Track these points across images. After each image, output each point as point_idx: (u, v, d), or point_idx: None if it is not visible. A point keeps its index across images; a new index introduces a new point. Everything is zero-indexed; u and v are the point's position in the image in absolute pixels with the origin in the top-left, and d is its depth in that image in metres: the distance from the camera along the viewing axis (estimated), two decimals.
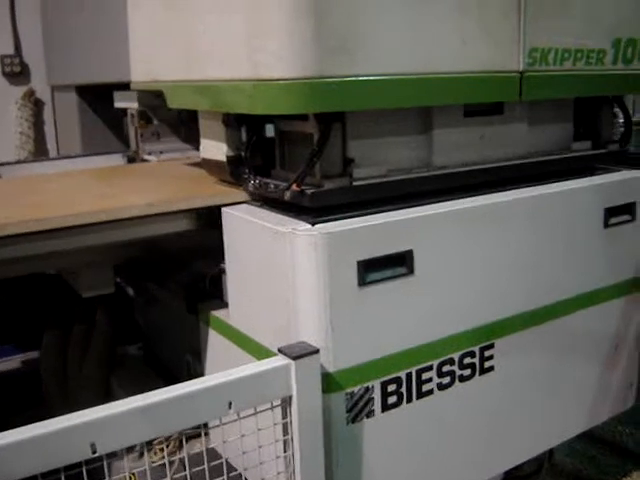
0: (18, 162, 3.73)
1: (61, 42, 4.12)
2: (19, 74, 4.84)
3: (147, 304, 3.36)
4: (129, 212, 2.23)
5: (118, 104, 3.34)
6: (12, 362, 3.81)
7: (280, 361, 1.86)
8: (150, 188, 2.68)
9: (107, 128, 4.15)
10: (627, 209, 2.74)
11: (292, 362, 1.84)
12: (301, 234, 1.97)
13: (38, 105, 4.92)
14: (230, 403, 1.77)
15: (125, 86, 2.95)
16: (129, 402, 1.67)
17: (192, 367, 2.77)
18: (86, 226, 2.19)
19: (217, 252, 2.39)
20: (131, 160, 3.60)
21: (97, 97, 4.04)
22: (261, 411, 1.84)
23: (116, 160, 3.60)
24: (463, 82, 2.23)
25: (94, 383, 3.29)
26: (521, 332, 2.46)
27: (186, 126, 3.08)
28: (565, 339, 2.63)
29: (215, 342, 2.49)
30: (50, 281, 3.13)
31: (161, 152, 3.47)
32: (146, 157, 3.48)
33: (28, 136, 4.91)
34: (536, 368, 2.57)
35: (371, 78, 2.01)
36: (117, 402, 1.67)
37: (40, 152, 4.91)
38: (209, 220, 2.41)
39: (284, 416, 1.89)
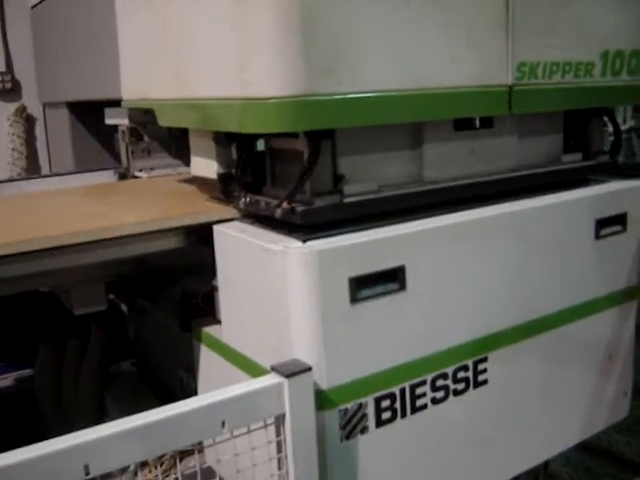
0: (10, 180, 3.74)
1: (52, 59, 4.14)
2: (11, 91, 4.87)
3: (140, 320, 3.36)
4: (121, 231, 2.23)
5: (109, 121, 3.35)
6: (7, 380, 3.81)
7: (273, 379, 1.85)
8: (141, 206, 2.68)
9: (99, 144, 4.17)
10: (618, 220, 2.74)
11: (285, 380, 1.84)
12: (292, 252, 1.97)
13: (30, 121, 4.95)
14: (223, 422, 1.76)
15: (116, 103, 2.96)
16: (122, 423, 1.67)
17: (186, 383, 2.77)
18: (78, 245, 2.20)
19: (210, 268, 2.39)
20: (122, 177, 3.60)
21: (89, 113, 4.05)
22: (254, 429, 1.84)
23: (108, 177, 3.60)
24: (452, 97, 2.23)
25: (88, 399, 3.29)
26: (514, 345, 2.46)
27: (177, 142, 3.08)
28: (559, 350, 2.63)
29: (209, 359, 2.49)
30: (43, 298, 3.13)
31: (152, 168, 3.48)
32: (137, 174, 3.48)
33: (20, 152, 4.94)
34: (530, 380, 2.57)
35: (360, 95, 2.01)
36: (110, 423, 1.67)
37: (32, 168, 4.92)
38: (200, 237, 2.41)
39: (278, 434, 1.89)
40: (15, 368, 3.78)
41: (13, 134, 4.92)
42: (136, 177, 3.51)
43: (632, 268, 2.84)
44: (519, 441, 2.59)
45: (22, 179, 3.79)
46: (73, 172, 3.70)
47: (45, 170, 4.91)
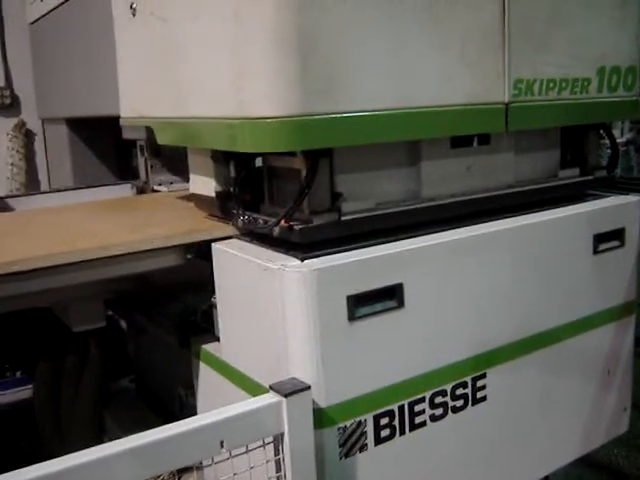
0: (28, 194, 3.75)
1: (51, 75, 4.15)
2: (10, 106, 4.87)
3: (139, 337, 3.36)
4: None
5: (127, 135, 3.29)
6: (6, 396, 3.82)
7: (271, 399, 1.85)
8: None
9: (98, 159, 4.18)
10: (616, 235, 2.75)
11: (283, 399, 1.84)
12: (290, 270, 1.98)
13: (29, 136, 4.96)
14: (222, 442, 1.76)
15: (115, 119, 2.96)
16: (120, 444, 1.66)
17: (185, 400, 2.77)
18: (76, 264, 2.20)
19: (209, 284, 2.39)
20: (140, 191, 3.62)
21: (87, 129, 4.07)
22: (253, 449, 1.84)
23: (125, 191, 3.63)
24: (449, 115, 2.24)
25: (87, 416, 3.28)
26: (513, 361, 2.46)
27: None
28: (557, 366, 2.63)
29: (207, 376, 2.49)
30: (41, 314, 3.13)
31: (171, 182, 3.46)
32: (157, 187, 3.45)
33: (19, 167, 4.94)
34: (529, 396, 2.57)
35: (357, 114, 2.02)
36: (108, 444, 1.67)
37: (32, 183, 4.93)
38: (200, 253, 2.41)
39: (276, 453, 1.89)
40: (16, 384, 3.79)
41: (12, 149, 4.92)
42: (155, 191, 3.49)
43: (630, 283, 2.84)
44: (518, 457, 2.59)
45: (41, 192, 3.79)
46: (92, 186, 3.69)
47: (44, 185, 4.92)
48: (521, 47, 2.38)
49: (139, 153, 3.55)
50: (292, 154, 2.15)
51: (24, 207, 3.40)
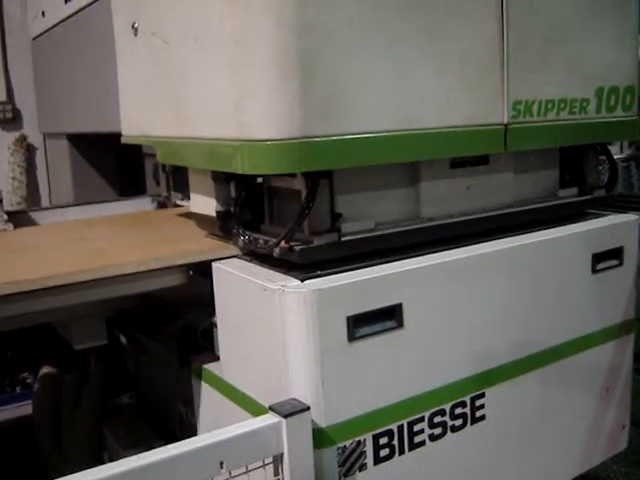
0: (53, 207, 3.77)
1: (52, 91, 4.17)
2: (11, 120, 4.88)
3: (140, 354, 3.36)
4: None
5: (147, 149, 3.26)
6: (6, 412, 3.82)
7: (271, 419, 1.86)
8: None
9: (99, 175, 4.20)
10: (615, 254, 2.76)
11: (283, 420, 1.85)
12: (290, 291, 1.99)
13: (30, 151, 4.96)
14: (222, 463, 1.77)
15: (115, 136, 2.97)
16: (119, 465, 1.67)
17: (185, 418, 2.77)
18: (82, 283, 2.21)
19: (210, 302, 2.40)
20: (162, 205, 3.65)
21: (89, 144, 4.08)
22: (253, 469, 1.85)
23: (145, 205, 3.72)
24: (448, 137, 2.25)
25: (87, 432, 3.28)
26: (511, 380, 2.47)
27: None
28: (556, 385, 2.64)
29: (208, 395, 2.49)
30: (42, 329, 3.13)
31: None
32: (179, 202, 3.46)
33: (20, 181, 4.94)
34: (528, 415, 2.57)
35: (356, 137, 2.04)
36: (107, 465, 1.67)
37: (32, 197, 4.94)
38: (201, 271, 2.42)
39: (276, 473, 1.89)
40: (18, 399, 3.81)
41: (13, 163, 4.93)
42: (178, 206, 3.50)
43: (629, 301, 2.85)
44: (517, 476, 2.59)
45: (65, 206, 3.80)
46: (113, 200, 3.78)
47: (44, 199, 4.93)
48: (520, 69, 2.40)
49: (160, 168, 3.54)
50: (292, 175, 2.16)
51: (46, 220, 3.51)
